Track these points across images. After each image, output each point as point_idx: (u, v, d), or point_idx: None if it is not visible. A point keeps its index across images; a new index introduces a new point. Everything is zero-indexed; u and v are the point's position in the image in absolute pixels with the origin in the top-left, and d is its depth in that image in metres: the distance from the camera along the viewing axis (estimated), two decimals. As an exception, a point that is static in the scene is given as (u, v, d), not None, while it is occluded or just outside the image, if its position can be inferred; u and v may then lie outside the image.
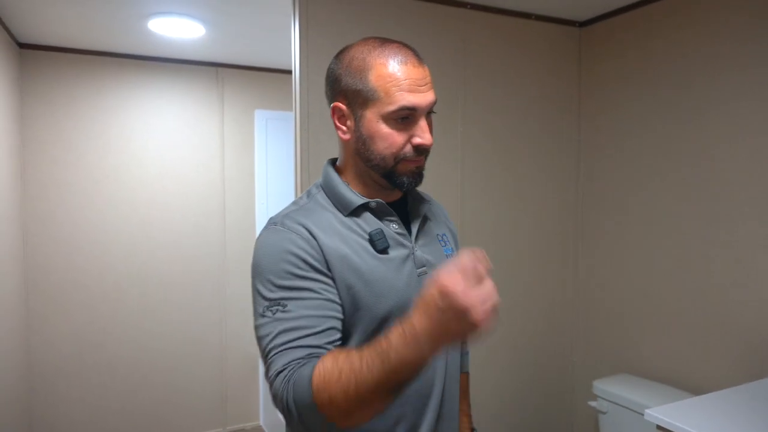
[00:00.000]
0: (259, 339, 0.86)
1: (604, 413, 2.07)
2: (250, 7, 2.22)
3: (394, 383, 0.73)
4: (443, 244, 1.08)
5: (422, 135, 0.92)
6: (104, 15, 2.32)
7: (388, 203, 1.00)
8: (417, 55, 0.93)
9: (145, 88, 3.05)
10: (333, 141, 1.98)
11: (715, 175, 1.90)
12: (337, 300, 0.89)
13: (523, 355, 2.37)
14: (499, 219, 2.29)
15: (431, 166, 2.12)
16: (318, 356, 0.80)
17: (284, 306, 0.85)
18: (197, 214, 3.21)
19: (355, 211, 0.97)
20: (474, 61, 2.20)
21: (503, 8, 2.23)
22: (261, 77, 3.33)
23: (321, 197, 0.99)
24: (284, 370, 0.80)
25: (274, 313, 0.85)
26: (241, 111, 3.31)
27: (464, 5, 2.16)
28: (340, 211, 0.97)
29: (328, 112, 1.00)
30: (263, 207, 3.37)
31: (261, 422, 3.41)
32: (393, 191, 1.02)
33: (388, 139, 0.92)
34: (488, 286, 0.69)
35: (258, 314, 0.87)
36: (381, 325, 0.92)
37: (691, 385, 1.98)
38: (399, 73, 0.90)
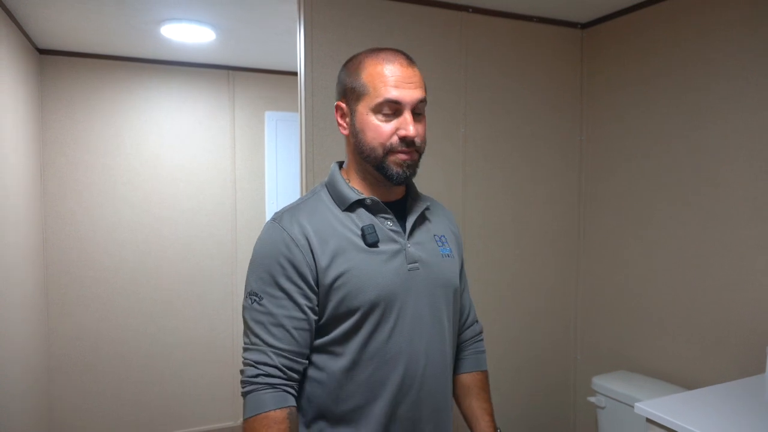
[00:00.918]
0: (243, 316, 1.02)
1: (603, 408, 2.11)
2: (258, 13, 2.28)
3: None
4: (440, 244, 1.14)
5: (406, 127, 1.01)
6: (119, 22, 2.42)
7: (389, 202, 1.08)
8: (408, 57, 1.04)
9: (158, 91, 3.15)
10: (337, 141, 2.05)
11: (715, 176, 1.92)
12: (311, 306, 1.00)
13: (527, 351, 2.41)
14: (502, 219, 2.33)
15: (433, 168, 2.20)
16: (276, 377, 0.98)
17: (260, 300, 0.99)
18: (209, 213, 3.30)
19: (351, 207, 1.05)
20: (476, 64, 2.24)
21: (504, 11, 2.26)
22: (271, 79, 3.41)
23: (324, 194, 1.08)
24: (251, 377, 0.98)
25: (252, 303, 1.00)
26: (251, 112, 3.39)
27: (465, 9, 2.20)
28: (338, 207, 1.05)
29: (333, 113, 1.08)
30: (273, 207, 3.45)
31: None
32: (393, 190, 1.09)
33: (376, 129, 1.01)
34: None
35: (245, 294, 1.03)
36: (363, 316, 1.00)
37: (687, 381, 2.01)
38: (386, 71, 1.00)
